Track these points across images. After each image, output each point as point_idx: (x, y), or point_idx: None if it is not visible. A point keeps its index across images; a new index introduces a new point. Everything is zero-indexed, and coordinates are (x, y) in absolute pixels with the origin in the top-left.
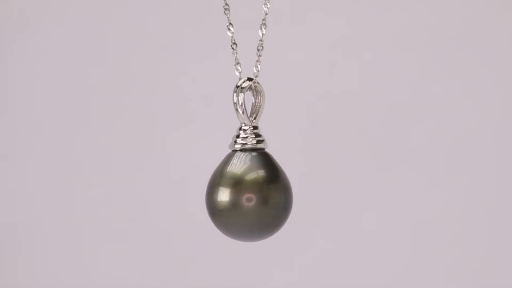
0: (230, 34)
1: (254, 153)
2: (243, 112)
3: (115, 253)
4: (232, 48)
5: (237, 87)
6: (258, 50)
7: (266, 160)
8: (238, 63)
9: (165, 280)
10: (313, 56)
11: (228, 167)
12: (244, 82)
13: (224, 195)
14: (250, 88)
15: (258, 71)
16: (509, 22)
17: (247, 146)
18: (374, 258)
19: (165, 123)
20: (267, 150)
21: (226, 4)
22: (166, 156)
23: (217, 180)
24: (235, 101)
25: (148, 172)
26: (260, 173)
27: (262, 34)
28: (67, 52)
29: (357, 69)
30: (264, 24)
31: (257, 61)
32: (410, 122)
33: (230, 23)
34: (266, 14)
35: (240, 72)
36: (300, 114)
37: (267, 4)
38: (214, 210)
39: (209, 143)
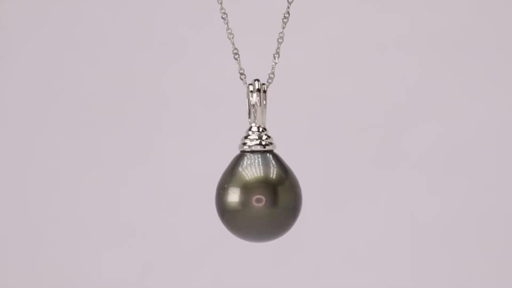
0: (231, 42)
1: (263, 154)
2: (262, 113)
3: (118, 255)
4: (234, 55)
5: (258, 90)
6: (274, 57)
7: (275, 161)
8: (241, 70)
9: (167, 282)
10: (314, 57)
11: (238, 168)
12: (262, 84)
13: (234, 196)
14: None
15: (272, 78)
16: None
17: (256, 147)
18: (375, 259)
19: (169, 124)
20: (275, 150)
21: (224, 14)
22: (173, 158)
23: (227, 181)
24: (254, 102)
25: (155, 175)
26: (270, 173)
27: (278, 48)
28: (68, 52)
29: (359, 71)
30: (282, 37)
31: (272, 69)
32: (412, 125)
33: (230, 31)
34: (285, 25)
35: (244, 76)
36: (305, 114)
37: (285, 20)
38: (224, 211)
39: (216, 144)
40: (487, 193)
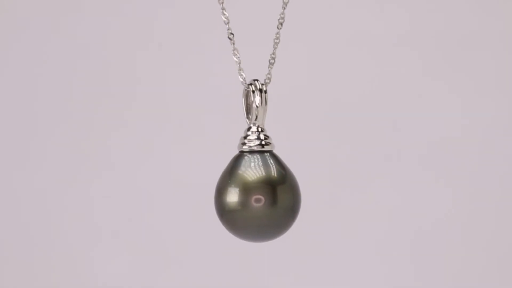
0: (231, 43)
1: (262, 154)
2: (264, 113)
3: (117, 256)
4: (234, 55)
5: (260, 90)
6: (269, 63)
7: (274, 161)
8: (241, 70)
9: (167, 282)
10: (314, 57)
11: (237, 168)
12: (262, 84)
13: (233, 196)
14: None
15: (270, 78)
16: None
17: (255, 147)
18: (375, 260)
19: (168, 124)
20: (274, 151)
21: (227, 18)
22: (172, 159)
23: (226, 181)
24: (258, 103)
25: (154, 174)
26: (269, 174)
27: (275, 48)
28: (70, 52)
29: (358, 70)
30: (278, 37)
31: (269, 69)
32: (413, 124)
33: (232, 33)
34: (281, 25)
35: (244, 76)
36: (306, 114)
37: (281, 20)
38: (223, 211)
39: (214, 144)
40: (487, 192)
